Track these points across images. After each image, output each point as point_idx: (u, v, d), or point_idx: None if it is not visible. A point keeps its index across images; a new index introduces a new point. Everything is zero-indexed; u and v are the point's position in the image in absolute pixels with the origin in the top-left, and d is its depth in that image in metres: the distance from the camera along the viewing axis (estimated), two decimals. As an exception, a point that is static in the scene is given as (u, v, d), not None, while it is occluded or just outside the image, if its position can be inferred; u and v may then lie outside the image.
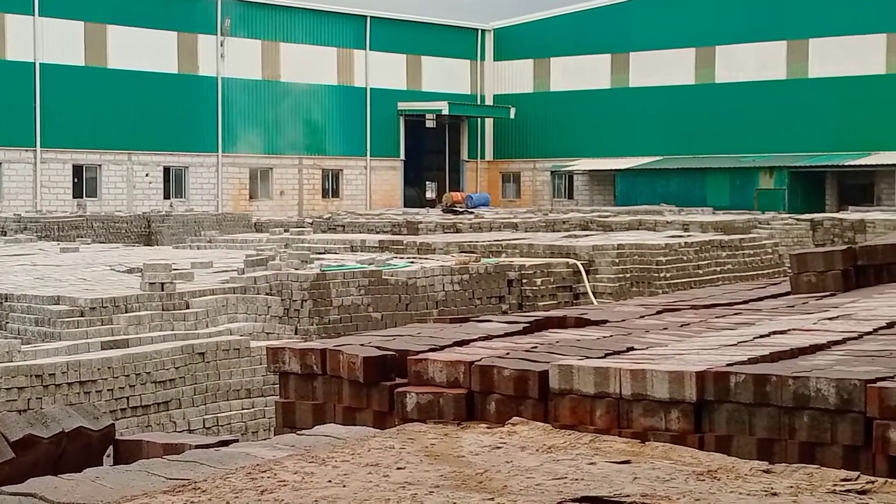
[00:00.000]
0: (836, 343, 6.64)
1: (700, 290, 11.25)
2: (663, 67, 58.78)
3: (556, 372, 5.91)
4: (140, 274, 16.90)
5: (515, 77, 64.01)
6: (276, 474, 4.34)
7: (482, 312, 17.46)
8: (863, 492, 4.07)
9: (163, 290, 15.47)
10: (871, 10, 52.66)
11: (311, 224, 34.95)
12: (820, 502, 3.92)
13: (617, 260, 21.20)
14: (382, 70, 59.73)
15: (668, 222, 32.03)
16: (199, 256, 21.61)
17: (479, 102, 64.75)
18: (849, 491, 4.05)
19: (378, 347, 6.70)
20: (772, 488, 4.09)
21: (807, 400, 5.32)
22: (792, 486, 4.12)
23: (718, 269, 22.92)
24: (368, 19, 59.56)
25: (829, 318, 7.74)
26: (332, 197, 58.03)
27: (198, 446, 5.09)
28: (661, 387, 5.63)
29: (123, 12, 50.80)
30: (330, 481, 4.24)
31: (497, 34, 64.95)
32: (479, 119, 64.74)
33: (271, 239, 26.11)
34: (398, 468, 4.41)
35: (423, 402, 6.15)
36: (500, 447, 4.75)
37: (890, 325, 7.25)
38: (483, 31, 65.18)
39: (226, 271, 18.48)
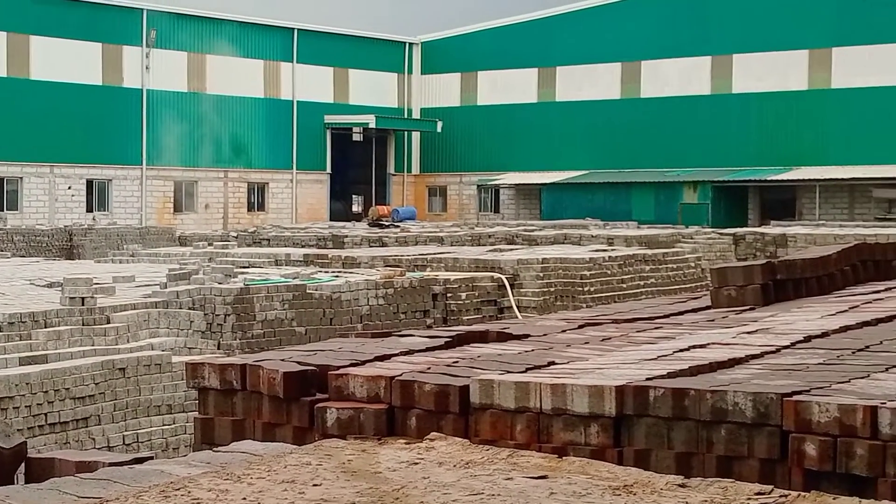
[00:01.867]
0: (754, 357, 6.70)
1: (622, 305, 11.31)
2: (589, 82, 59.18)
3: (476, 387, 5.91)
4: (60, 288, 16.69)
5: (443, 91, 64.13)
6: (189, 492, 4.29)
7: (407, 327, 17.43)
8: (776, 506, 4.10)
9: (83, 305, 15.28)
10: (793, 27, 53.38)
11: (236, 238, 34.73)
12: (733, 516, 3.94)
13: (541, 274, 21.27)
14: (309, 83, 59.58)
15: (593, 236, 32.21)
16: (121, 270, 21.39)
17: (406, 116, 64.78)
18: (762, 505, 4.09)
19: (298, 362, 6.66)
20: (687, 502, 4.12)
21: (724, 414, 5.36)
22: (707, 501, 4.15)
23: (642, 283, 23.07)
24: (296, 32, 59.40)
25: (748, 332, 7.81)
26: (258, 210, 57.75)
27: (111, 464, 5.02)
28: (581, 401, 5.65)
29: (47, 23, 50.26)
30: (244, 499, 4.21)
31: (425, 48, 65.06)
32: (406, 132, 64.77)
33: (195, 253, 25.90)
34: (314, 485, 4.38)
35: (344, 417, 6.12)
36: (417, 463, 4.73)
37: (807, 339, 7.33)
38: (411, 44, 65.26)
39: (148, 285, 18.29)
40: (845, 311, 8.94)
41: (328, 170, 60.74)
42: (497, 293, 20.59)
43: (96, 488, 4.45)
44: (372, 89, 62.86)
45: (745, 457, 5.30)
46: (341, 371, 6.41)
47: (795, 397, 5.24)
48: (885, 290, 10.59)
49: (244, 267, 21.58)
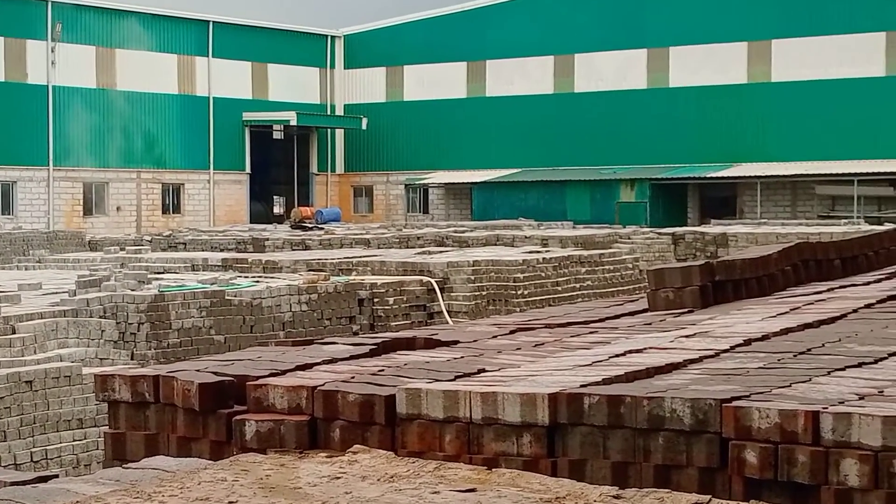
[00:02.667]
0: (692, 361, 6.75)
1: (556, 308, 11.34)
2: (521, 76, 59.37)
3: (403, 396, 5.90)
4: (-39, 297, 16.50)
5: (367, 86, 64.07)
6: (97, 511, 4.25)
7: (332, 334, 17.39)
8: (713, 516, 4.13)
9: (-14, 314, 15.10)
10: (732, 18, 53.89)
11: (150, 242, 34.47)
12: (669, 528, 3.97)
13: (472, 277, 21.31)
14: (226, 78, 59.27)
15: (526, 237, 32.31)
16: (27, 277, 21.16)
17: (329, 112, 64.64)
18: (699, 515, 4.11)
19: (215, 373, 6.62)
20: (621, 514, 4.13)
21: (662, 421, 5.39)
22: (642, 512, 4.16)
23: (578, 285, 23.18)
24: (211, 24, 59.08)
25: (687, 336, 7.86)
26: (173, 213, 57.34)
27: (13, 483, 4.95)
28: (513, 410, 5.66)
29: (-55, 16, 49.66)
30: (155, 518, 4.17)
31: (347, 41, 64.95)
32: (329, 130, 64.61)
33: (106, 258, 25.68)
34: (230, 502, 4.36)
35: (263, 430, 6.09)
36: (339, 477, 4.72)
37: (747, 342, 7.40)
38: (333, 37, 65.13)
39: (56, 293, 18.12)
40: (786, 312, 9.03)
41: (247, 169, 60.46)
42: (426, 297, 20.60)
43: (-3, 510, 4.39)
44: (292, 85, 62.65)
45: (684, 466, 5.33)
46: (260, 381, 6.38)
47: (735, 403, 5.28)
48: (828, 290, 10.71)
49: (159, 273, 21.42)
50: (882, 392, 5.54)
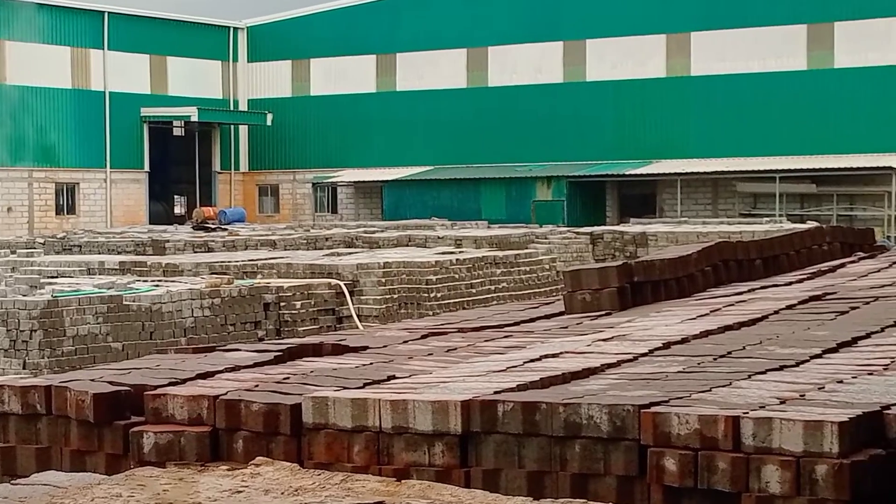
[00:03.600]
0: (610, 366, 6.80)
1: (469, 312, 11.39)
2: (433, 70, 59.42)
3: (309, 405, 5.89)
4: None
5: (272, 80, 63.77)
6: (-17, 531, 4.20)
7: (236, 340, 17.30)
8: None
9: None
10: (649, 10, 54.32)
11: (43, 244, 34.06)
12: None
13: (383, 280, 21.29)
14: (123, 72, 58.70)
15: (439, 237, 32.35)
16: (-89, 283, 20.80)
17: (232, 108, 64.24)
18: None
19: (111, 382, 6.57)
20: (535, 526, 4.15)
21: (578, 428, 5.42)
22: (557, 523, 4.19)
23: (493, 287, 23.25)
24: (106, 15, 58.49)
25: (604, 340, 7.92)
26: (68, 213, 56.69)
27: None
28: (424, 418, 5.67)
29: None
30: (46, 537, 4.13)
31: (251, 33, 64.62)
32: (232, 126, 64.22)
33: (-4, 262, 25.33)
34: (125, 519, 4.32)
35: (162, 442, 6.05)
36: (241, 491, 4.69)
37: (666, 346, 7.47)
38: (236, 29, 64.75)
39: (-58, 299, 17.84)
40: (706, 314, 9.12)
41: (146, 168, 59.93)
42: (335, 301, 20.55)
43: None
44: (193, 79, 62.19)
45: (602, 474, 5.37)
46: (159, 391, 6.34)
47: (653, 409, 5.32)
48: (748, 291, 10.84)
49: (52, 277, 21.17)
50: (804, 396, 5.62)
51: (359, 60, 61.23)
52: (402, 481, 4.85)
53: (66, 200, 56.94)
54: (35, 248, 32.07)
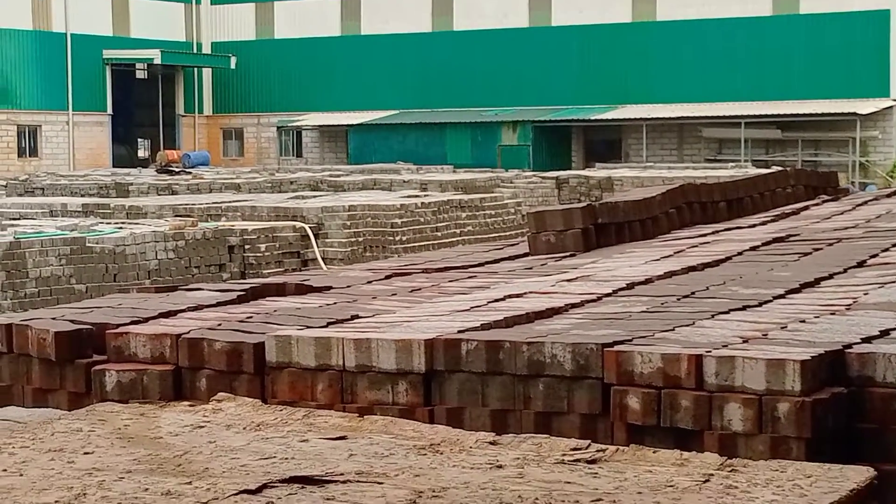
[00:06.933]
0: (574, 306, 6.80)
1: (433, 253, 11.38)
2: (398, 13, 59.11)
3: (272, 343, 5.88)
4: None
5: (236, 23, 63.31)
6: (-58, 465, 4.18)
7: (201, 282, 17.25)
8: (592, 461, 4.17)
9: None
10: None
11: (5, 186, 33.87)
12: (547, 473, 4.01)
13: (348, 223, 21.26)
14: (84, 14, 58.14)
15: (404, 181, 32.31)
16: None
17: (195, 51, 63.79)
18: (578, 460, 4.15)
19: (72, 321, 6.53)
20: (497, 460, 4.16)
21: (542, 367, 5.42)
22: (519, 458, 4.20)
23: (458, 230, 23.25)
24: (67, -45, 57.89)
25: (568, 280, 7.92)
26: (30, 156, 56.28)
27: None
28: (388, 357, 5.66)
29: None
30: (5, 470, 4.12)
31: (215, -26, 64.11)
32: (195, 69, 63.79)
33: (-42, 204, 25.17)
34: (85, 453, 4.32)
35: (125, 380, 6.03)
36: (202, 426, 4.69)
37: (630, 286, 7.48)
38: (200, -30, 64.23)
39: None
40: (670, 255, 9.14)
41: (109, 111, 59.52)
42: (300, 244, 20.52)
43: None
44: (156, 21, 61.66)
45: (565, 412, 5.38)
46: (121, 329, 6.31)
47: (617, 347, 5.33)
48: (712, 233, 10.87)
49: (14, 219, 21.05)
50: (766, 335, 5.64)
51: (323, 3, 60.85)
52: (365, 417, 4.85)
53: (28, 143, 56.53)
54: (-3, 191, 31.87)
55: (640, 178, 33.49)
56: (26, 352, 6.40)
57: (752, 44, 51.32)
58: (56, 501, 3.74)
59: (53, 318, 6.64)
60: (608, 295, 7.17)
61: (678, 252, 9.35)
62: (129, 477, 3.99)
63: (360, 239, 21.33)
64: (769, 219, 12.26)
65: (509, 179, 34.25)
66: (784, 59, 50.57)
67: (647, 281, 7.72)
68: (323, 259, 20.27)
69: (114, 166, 55.14)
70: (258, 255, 19.63)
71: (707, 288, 7.24)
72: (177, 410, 5.03)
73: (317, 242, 20.59)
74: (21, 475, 4.05)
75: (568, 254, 9.81)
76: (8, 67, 55.18)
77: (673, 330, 5.78)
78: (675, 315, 6.27)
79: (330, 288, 7.97)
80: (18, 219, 21.21)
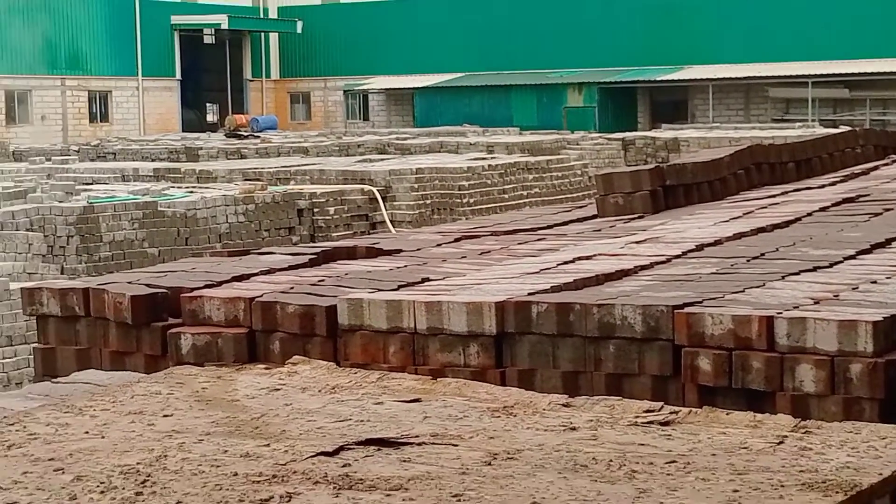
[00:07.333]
0: (643, 268, 6.78)
1: (502, 216, 11.37)
2: (464, -24, 58.90)
3: (344, 306, 5.90)
4: None
5: (302, -13, 63.37)
6: (25, 427, 4.24)
7: (270, 246, 17.35)
8: (666, 423, 4.16)
9: None
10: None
11: (78, 152, 34.13)
12: (621, 435, 4.01)
13: (416, 185, 21.27)
14: (154, -21, 58.43)
15: (471, 144, 32.24)
16: (-52, 190, 20.89)
17: (262, 15, 63.94)
18: (651, 422, 4.15)
19: (148, 285, 6.59)
20: (571, 422, 4.17)
21: (612, 329, 5.42)
22: (592, 420, 4.20)
23: (525, 193, 23.19)
24: (137, -78, 58.12)
25: (637, 242, 7.90)
26: (101, 121, 56.72)
27: (-62, 400, 4.92)
28: (459, 319, 5.67)
29: None
30: (87, 432, 4.16)
31: (281, -61, 64.15)
32: (262, 34, 63.93)
33: (32, 169, 25.43)
34: (164, 415, 4.36)
35: (200, 343, 6.08)
36: (278, 389, 4.72)
37: (699, 248, 7.44)
38: (266, -65, 64.30)
39: (-21, 206, 17.93)
40: (739, 217, 9.08)
41: (178, 76, 59.83)
42: (368, 207, 20.56)
43: (-78, 428, 4.35)
44: (224, -14, 61.84)
45: (636, 374, 5.37)
46: (196, 293, 6.35)
47: (687, 309, 5.31)
48: (781, 194, 10.78)
49: (87, 184, 21.24)
50: (837, 296, 5.60)
51: (389, -34, 60.72)
52: (438, 379, 4.86)
53: (98, 108, 56.95)
54: (69, 156, 32.14)
55: (707, 138, 33.21)
56: (103, 315, 6.47)
57: (819, 1, 50.72)
58: (138, 463, 3.78)
59: (129, 283, 6.70)
60: (677, 257, 7.14)
61: (747, 213, 9.28)
62: (207, 439, 4.03)
63: (428, 202, 21.33)
64: (838, 179, 12.14)
65: (575, 141, 34.10)
66: (852, 16, 49.94)
67: (717, 242, 7.68)
68: (391, 222, 20.30)
69: (183, 131, 55.44)
70: (327, 218, 19.69)
71: (777, 249, 7.19)
72: (253, 373, 5.06)
73: (385, 205, 20.63)
74: (103, 437, 4.10)
75: (636, 216, 9.77)
76: (78, 34, 55.58)
77: (743, 291, 5.75)
78: (745, 276, 6.23)
79: (400, 251, 7.99)
80: (91, 184, 21.39)
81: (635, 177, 10.09)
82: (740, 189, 11.29)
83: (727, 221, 8.81)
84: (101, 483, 3.60)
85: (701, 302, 5.47)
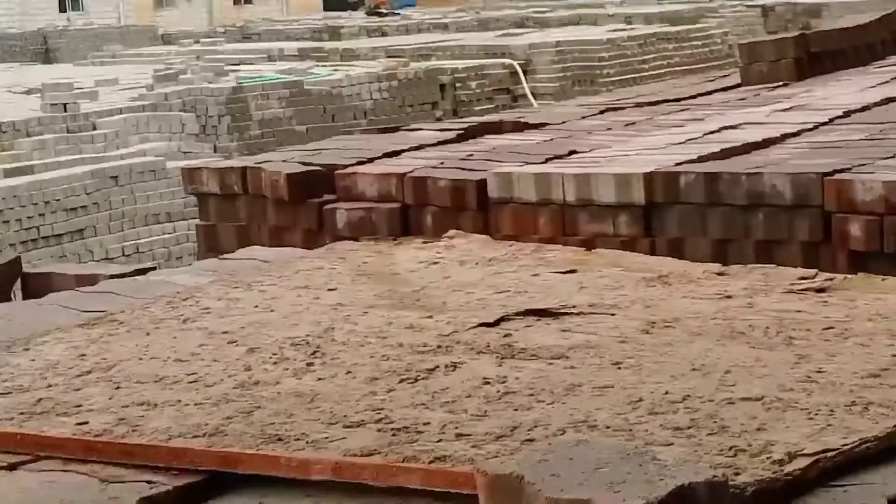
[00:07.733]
0: (790, 135, 6.68)
1: (645, 87, 11.26)
2: None
3: (494, 180, 5.92)
4: (40, 95, 16.62)
5: None
6: (198, 302, 4.34)
7: (414, 121, 17.39)
8: (821, 290, 4.13)
9: (66, 111, 15.24)
10: None
11: (224, 34, 34.39)
12: (776, 302, 3.99)
13: (556, 58, 21.09)
14: None
15: (609, 15, 31.78)
16: (102, 74, 21.24)
17: None
18: (806, 290, 4.12)
19: (302, 163, 6.66)
20: (726, 291, 4.15)
21: (762, 197, 5.37)
22: (747, 288, 4.18)
23: (665, 63, 22.87)
24: None
25: (783, 110, 7.77)
26: (245, 3, 57.00)
27: (113, 276, 5.06)
28: (608, 190, 5.67)
29: None
30: (257, 306, 4.26)
31: None
32: (401, -90, 63.48)
33: (181, 52, 25.69)
34: (329, 289, 4.43)
35: (354, 218, 6.15)
36: (437, 262, 4.76)
37: (847, 115, 7.30)
38: None
39: (133, 88, 18.23)
40: (887, 82, 8.87)
41: (322, -44, 59.75)
42: (510, 81, 20.46)
43: (100, 302, 4.49)
44: None
45: (786, 241, 5.33)
46: (349, 170, 6.42)
47: (837, 176, 5.24)
48: (930, 58, 10.49)
49: (235, 65, 21.41)
50: None
51: None
52: (593, 251, 4.87)
53: (243, -10, 57.16)
54: (217, 38, 32.39)
55: (851, 2, 32.30)
56: (261, 193, 6.57)
57: None
58: (307, 335, 3.86)
59: (284, 161, 6.78)
60: (824, 124, 7.02)
61: (895, 79, 9.06)
62: (372, 311, 4.09)
63: (569, 74, 21.15)
64: None
65: (714, 9, 33.43)
66: None
67: (864, 109, 7.52)
68: (532, 94, 20.19)
69: (325, 10, 55.47)
70: (469, 92, 19.65)
71: (927, 114, 7.03)
72: (411, 247, 5.12)
73: (525, 79, 20.51)
74: (272, 311, 4.19)
75: (781, 84, 9.58)
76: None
77: (894, 157, 5.65)
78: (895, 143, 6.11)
79: (545, 124, 7.95)
80: (238, 65, 21.56)
81: (779, 44, 9.89)
82: (887, 54, 10.99)
83: (875, 87, 8.61)
84: (274, 354, 3.70)
85: (851, 169, 5.38)
